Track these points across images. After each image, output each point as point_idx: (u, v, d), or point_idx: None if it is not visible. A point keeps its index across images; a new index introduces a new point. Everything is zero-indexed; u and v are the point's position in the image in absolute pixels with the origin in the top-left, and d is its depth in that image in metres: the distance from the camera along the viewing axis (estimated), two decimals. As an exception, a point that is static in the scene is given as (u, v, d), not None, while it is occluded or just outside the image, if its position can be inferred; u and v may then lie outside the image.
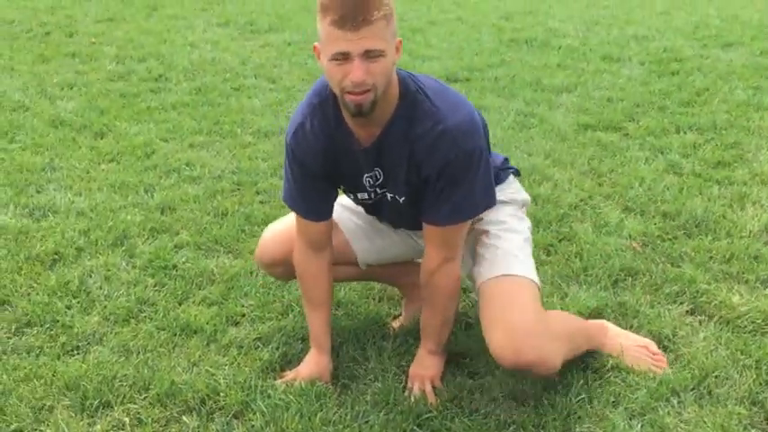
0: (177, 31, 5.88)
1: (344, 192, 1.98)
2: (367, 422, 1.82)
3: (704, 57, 4.94)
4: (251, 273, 2.47)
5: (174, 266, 2.49)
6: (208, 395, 1.89)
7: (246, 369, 1.99)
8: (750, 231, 2.67)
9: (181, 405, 1.87)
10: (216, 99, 4.24)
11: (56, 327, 2.18)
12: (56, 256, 2.55)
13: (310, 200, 1.90)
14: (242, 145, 3.58)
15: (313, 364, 1.98)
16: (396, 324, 2.21)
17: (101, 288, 2.37)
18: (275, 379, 1.97)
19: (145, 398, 1.89)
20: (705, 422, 1.78)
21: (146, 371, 1.97)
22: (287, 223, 2.05)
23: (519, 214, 2.02)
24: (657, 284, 2.36)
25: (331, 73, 1.65)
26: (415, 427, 1.80)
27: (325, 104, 1.79)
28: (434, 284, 1.89)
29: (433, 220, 1.83)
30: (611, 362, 2.02)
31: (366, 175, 1.85)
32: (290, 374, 1.97)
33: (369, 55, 1.60)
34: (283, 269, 2.07)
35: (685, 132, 3.62)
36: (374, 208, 1.99)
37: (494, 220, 1.96)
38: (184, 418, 1.83)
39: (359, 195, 1.92)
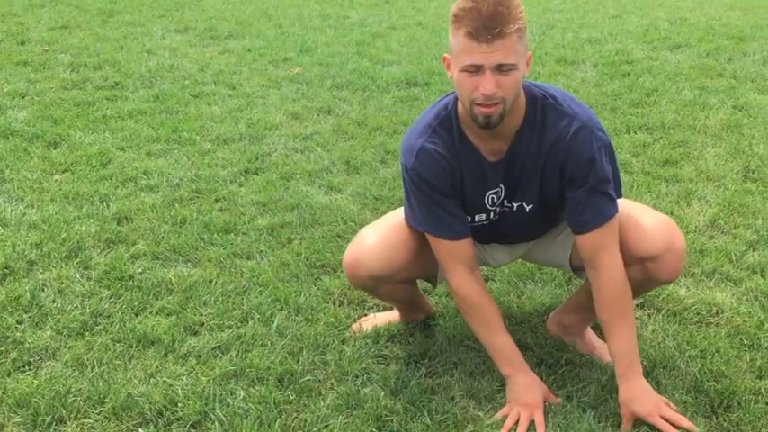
0: (134, 38, 5.82)
1: None
2: (327, 426, 1.84)
3: (654, 59, 5.07)
4: (210, 281, 2.47)
5: (131, 277, 2.48)
6: (165, 406, 1.88)
7: (205, 378, 1.99)
8: (696, 226, 2.76)
9: (137, 417, 1.86)
10: (174, 106, 4.21)
11: (5, 343, 2.15)
12: (6, 270, 2.51)
13: (449, 218, 1.83)
14: (201, 152, 3.57)
15: (536, 387, 1.86)
16: (356, 327, 2.23)
17: (54, 302, 2.34)
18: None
19: (100, 412, 1.88)
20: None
21: (101, 384, 1.95)
22: (390, 229, 1.96)
23: None
24: (609, 282, 2.43)
25: (461, 84, 1.67)
26: (374, 430, 1.83)
27: (446, 124, 1.79)
28: (625, 291, 1.81)
29: (598, 220, 1.77)
30: (564, 357, 2.07)
31: (489, 192, 1.84)
32: (523, 416, 1.81)
33: (501, 69, 1.62)
34: (377, 283, 1.96)
35: (635, 132, 3.71)
36: (487, 228, 1.92)
37: None
38: (141, 430, 1.83)
39: (476, 218, 1.89)
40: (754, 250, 2.61)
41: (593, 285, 1.85)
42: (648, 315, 2.26)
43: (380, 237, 1.95)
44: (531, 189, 1.84)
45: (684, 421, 1.79)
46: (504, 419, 1.84)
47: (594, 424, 1.82)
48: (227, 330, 2.21)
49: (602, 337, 2.15)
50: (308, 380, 2.00)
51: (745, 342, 2.11)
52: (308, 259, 2.59)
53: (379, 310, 2.32)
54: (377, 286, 2.01)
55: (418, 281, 2.17)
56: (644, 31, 5.90)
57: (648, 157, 3.41)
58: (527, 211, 1.88)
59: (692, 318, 2.24)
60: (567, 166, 1.77)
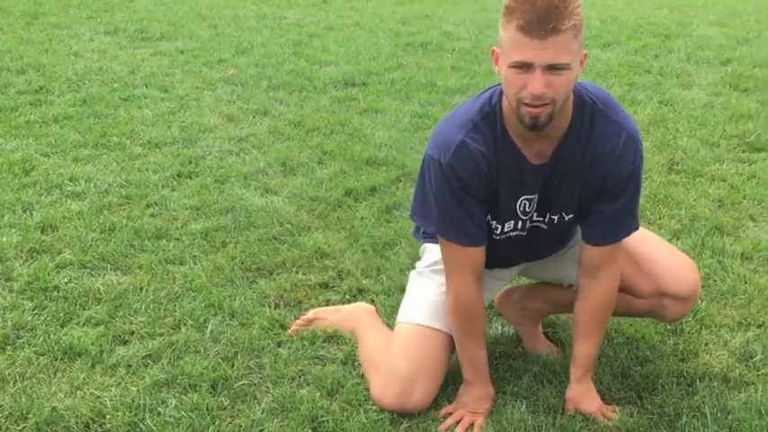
0: (60, 41, 5.63)
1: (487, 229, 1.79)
2: (262, 430, 1.83)
3: (585, 56, 5.20)
4: (140, 289, 2.40)
5: (56, 287, 2.39)
6: (92, 419, 1.83)
7: (134, 388, 1.94)
8: (625, 219, 2.83)
9: None
10: (103, 110, 4.09)
11: None
12: None
13: (470, 224, 1.72)
14: (131, 157, 3.48)
15: (486, 400, 1.86)
16: (294, 328, 2.20)
17: (-27, 316, 2.24)
18: None
19: (23, 428, 1.81)
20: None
21: (23, 399, 1.88)
22: (423, 348, 1.86)
23: None
24: (542, 275, 2.47)
25: (509, 81, 1.55)
26: (310, 431, 1.81)
27: (490, 121, 1.67)
28: (611, 306, 1.83)
29: (619, 235, 1.75)
30: (498, 350, 2.10)
31: (523, 197, 1.73)
32: (465, 420, 1.81)
33: (553, 68, 1.50)
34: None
35: (567, 128, 3.80)
36: (517, 242, 1.82)
37: None
38: (67, 444, 1.77)
39: (506, 226, 1.77)
40: (678, 239, 2.70)
41: (585, 292, 1.82)
42: (580, 306, 2.31)
43: (422, 370, 1.84)
44: (571, 198, 1.74)
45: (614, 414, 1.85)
46: (446, 416, 1.86)
47: (528, 414, 1.85)
48: (159, 338, 2.16)
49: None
50: (243, 384, 1.98)
51: (669, 328, 2.18)
52: (243, 263, 2.56)
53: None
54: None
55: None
56: (575, 30, 6.04)
57: (579, 152, 3.49)
58: (566, 220, 1.78)
59: (620, 307, 2.30)
60: (610, 178, 1.69)
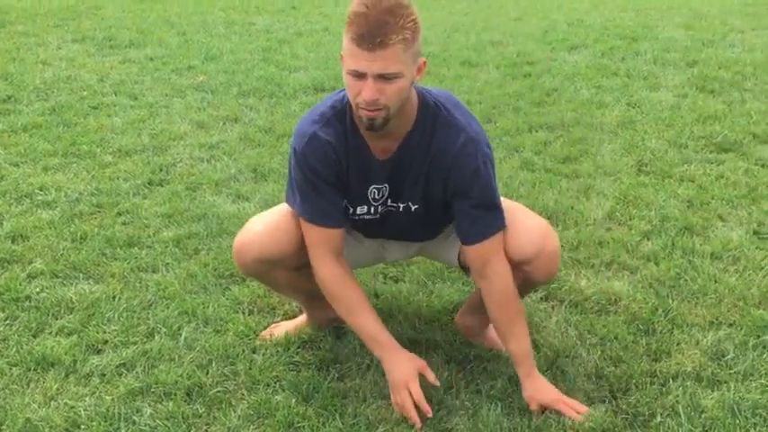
0: (28, 49, 5.57)
1: (344, 208, 1.91)
2: (238, 437, 1.82)
3: (553, 59, 5.27)
4: (113, 297, 2.39)
5: (28, 297, 2.37)
6: (67, 429, 1.82)
7: (109, 398, 1.93)
8: (594, 219, 2.88)
9: (37, 442, 1.78)
10: (72, 119, 4.05)
11: None
12: None
13: (327, 207, 1.86)
14: (101, 165, 3.45)
15: (406, 362, 1.86)
16: (266, 334, 2.21)
17: (-57, 328, 2.21)
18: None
19: (-4, 439, 1.79)
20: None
21: (-3, 410, 1.86)
22: (275, 214, 1.98)
23: None
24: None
25: (348, 86, 1.70)
26: (286, 437, 1.82)
27: (341, 116, 1.81)
28: (516, 295, 1.87)
29: (485, 233, 1.82)
30: (473, 353, 2.12)
31: (373, 186, 1.87)
32: (401, 394, 1.82)
33: (383, 77, 1.63)
34: (268, 268, 1.96)
35: (537, 131, 3.84)
36: (372, 224, 1.96)
37: None
38: (41, 455, 1.75)
39: (358, 209, 1.91)
40: (648, 239, 2.74)
41: (484, 294, 1.91)
42: (552, 307, 2.34)
43: (266, 221, 1.97)
44: (416, 191, 1.87)
45: (582, 407, 1.88)
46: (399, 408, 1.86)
47: (503, 416, 1.87)
48: (133, 347, 2.15)
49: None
50: (218, 391, 1.97)
51: (641, 327, 2.22)
52: (215, 269, 2.55)
53: (289, 318, 2.31)
54: (271, 272, 2.01)
55: None
56: (543, 33, 6.12)
57: (549, 154, 3.54)
58: (412, 211, 1.91)
59: (592, 307, 2.33)
60: (450, 178, 1.81)
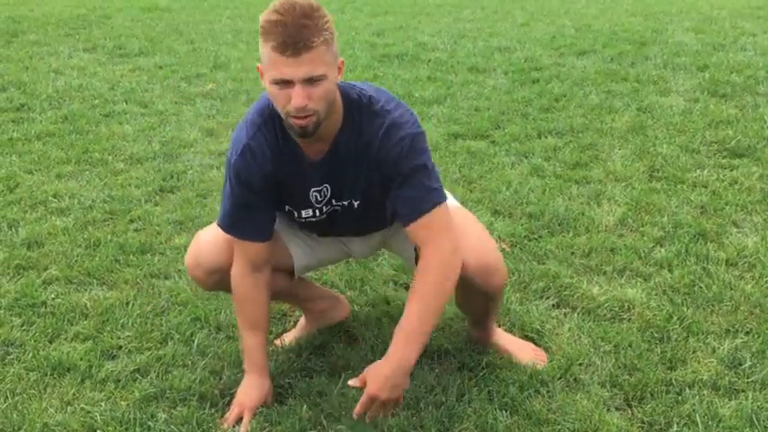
0: (40, 58, 5.62)
1: (288, 212, 1.93)
2: (252, 443, 1.83)
3: (561, 65, 5.26)
4: (126, 303, 2.40)
5: (44, 303, 2.39)
6: (83, 434, 1.83)
7: (124, 403, 1.94)
8: (606, 226, 2.87)
9: (54, 447, 1.80)
10: (84, 127, 4.09)
11: None
12: None
13: (250, 220, 1.86)
14: (113, 172, 3.48)
15: (256, 389, 1.93)
16: (278, 342, 2.22)
17: (-39, 334, 2.23)
18: (220, 419, 1.89)
19: (14, 444, 1.81)
20: (571, 408, 1.90)
21: (15, 415, 1.88)
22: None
23: None
24: (526, 282, 2.50)
25: (274, 96, 1.67)
26: (300, 443, 1.82)
27: (270, 123, 1.80)
28: (443, 280, 1.76)
29: (422, 209, 1.76)
30: (485, 360, 2.11)
31: (313, 189, 1.86)
32: (233, 413, 1.90)
33: (310, 81, 1.63)
34: (220, 277, 1.97)
35: (546, 137, 3.84)
36: (320, 224, 1.96)
37: None
38: (58, 460, 1.77)
39: (303, 213, 1.91)
40: (661, 246, 2.71)
41: (418, 269, 1.78)
42: (564, 314, 2.33)
43: (214, 232, 1.96)
44: (356, 187, 1.86)
45: (381, 415, 1.79)
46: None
47: (513, 423, 1.86)
48: (147, 352, 2.16)
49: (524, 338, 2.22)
50: (231, 397, 1.97)
51: (656, 335, 2.19)
52: (228, 276, 2.56)
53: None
54: (223, 282, 1.98)
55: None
56: (551, 39, 6.11)
57: (559, 160, 3.53)
58: (355, 207, 1.90)
59: (605, 314, 2.31)
60: (381, 164, 1.79)
